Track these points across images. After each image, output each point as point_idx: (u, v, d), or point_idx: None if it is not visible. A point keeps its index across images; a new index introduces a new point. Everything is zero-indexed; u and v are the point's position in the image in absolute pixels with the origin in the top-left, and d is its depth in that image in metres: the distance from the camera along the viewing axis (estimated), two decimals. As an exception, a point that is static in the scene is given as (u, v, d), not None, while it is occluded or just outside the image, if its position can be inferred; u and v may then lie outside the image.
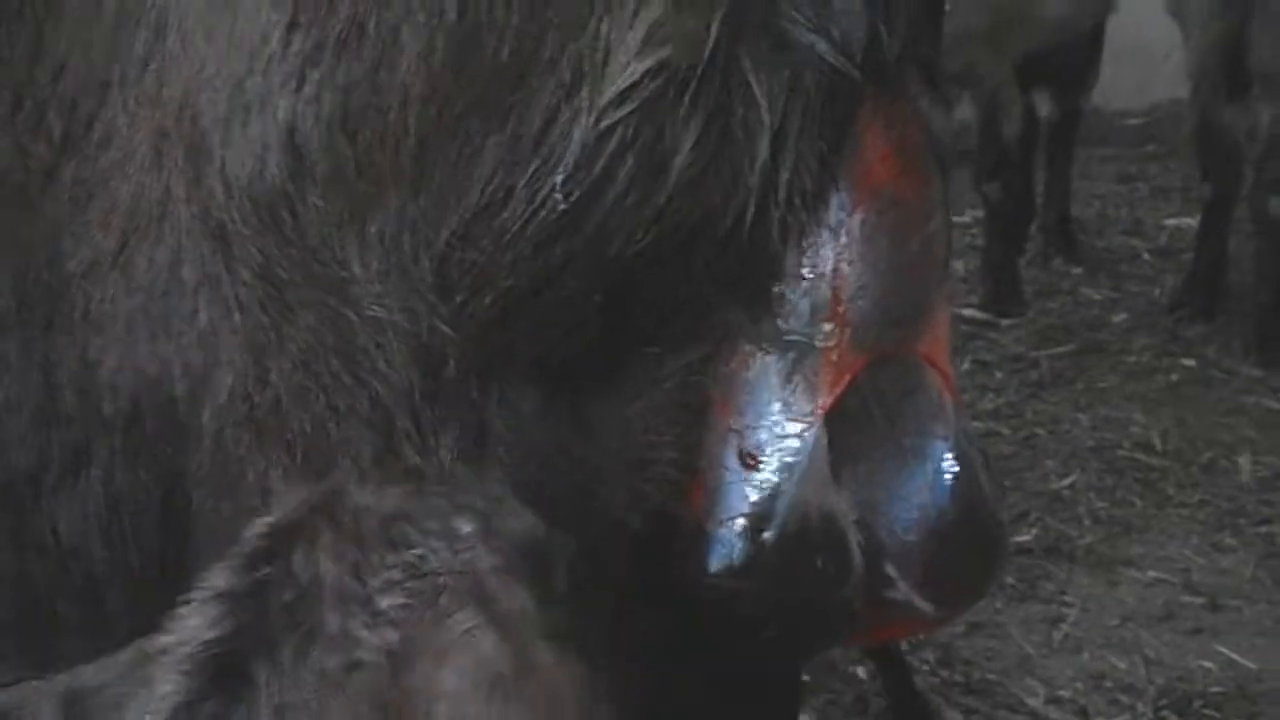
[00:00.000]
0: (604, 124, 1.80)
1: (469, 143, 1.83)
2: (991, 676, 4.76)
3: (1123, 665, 4.77)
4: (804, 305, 2.00)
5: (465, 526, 1.64)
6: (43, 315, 1.99)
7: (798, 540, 2.01)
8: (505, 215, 1.84)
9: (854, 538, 2.03)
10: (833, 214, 1.99)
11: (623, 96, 1.80)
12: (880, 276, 2.03)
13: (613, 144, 1.81)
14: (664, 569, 2.05)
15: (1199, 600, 5.01)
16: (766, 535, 2.00)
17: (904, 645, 4.43)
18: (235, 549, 1.65)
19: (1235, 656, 4.72)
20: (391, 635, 1.56)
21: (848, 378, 2.01)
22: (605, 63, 1.80)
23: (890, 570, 2.06)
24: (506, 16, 1.80)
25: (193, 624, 1.62)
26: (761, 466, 2.00)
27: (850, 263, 2.00)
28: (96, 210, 1.95)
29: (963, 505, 2.09)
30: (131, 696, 1.66)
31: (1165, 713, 4.54)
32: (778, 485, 1.99)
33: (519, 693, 1.56)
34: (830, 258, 2.00)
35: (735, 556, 1.99)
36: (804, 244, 1.98)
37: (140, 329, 1.94)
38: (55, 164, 1.94)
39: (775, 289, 1.98)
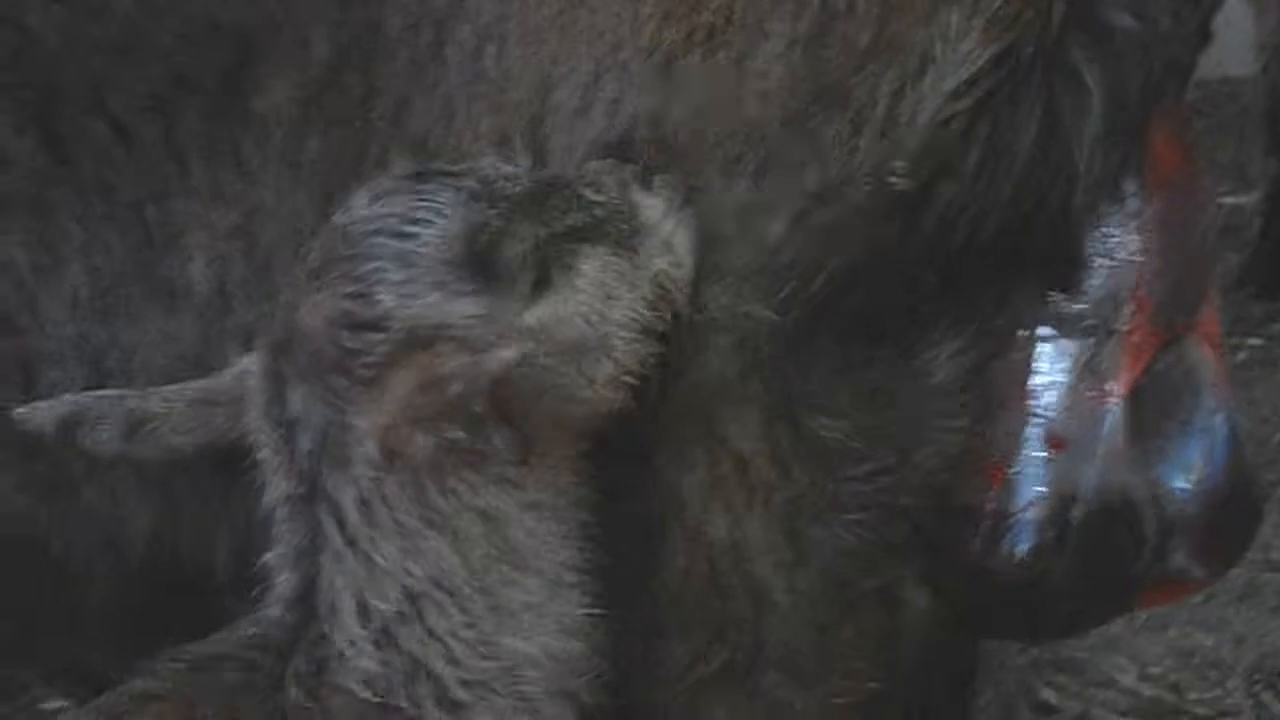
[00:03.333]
0: (947, 112, 1.85)
1: (813, 129, 1.87)
2: (1081, 654, 4.81)
3: (1209, 642, 4.83)
4: (1105, 290, 2.07)
5: (389, 297, 1.71)
6: None
7: (1101, 518, 2.08)
8: (841, 200, 1.88)
9: (1148, 511, 2.10)
10: (1131, 202, 2.06)
11: (967, 85, 1.85)
12: (1172, 262, 2.10)
13: (955, 132, 1.86)
14: (952, 560, 2.11)
15: (1280, 578, 5.07)
16: (1074, 515, 2.06)
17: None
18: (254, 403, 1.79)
19: (1321, 632, 4.78)
20: (372, 452, 1.72)
21: (1145, 360, 2.09)
22: (950, 50, 1.85)
23: (1171, 541, 2.14)
24: (866, 3, 1.84)
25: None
26: (1068, 448, 2.07)
27: (1148, 249, 2.07)
28: None
29: (1234, 475, 2.18)
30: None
31: (1258, 688, 4.61)
32: (1084, 466, 2.06)
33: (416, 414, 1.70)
34: (1130, 245, 2.07)
35: (1045, 537, 2.06)
36: (1105, 231, 2.05)
37: None
38: None
39: (1079, 275, 2.05)
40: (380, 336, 1.69)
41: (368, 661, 1.75)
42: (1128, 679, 4.71)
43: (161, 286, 1.97)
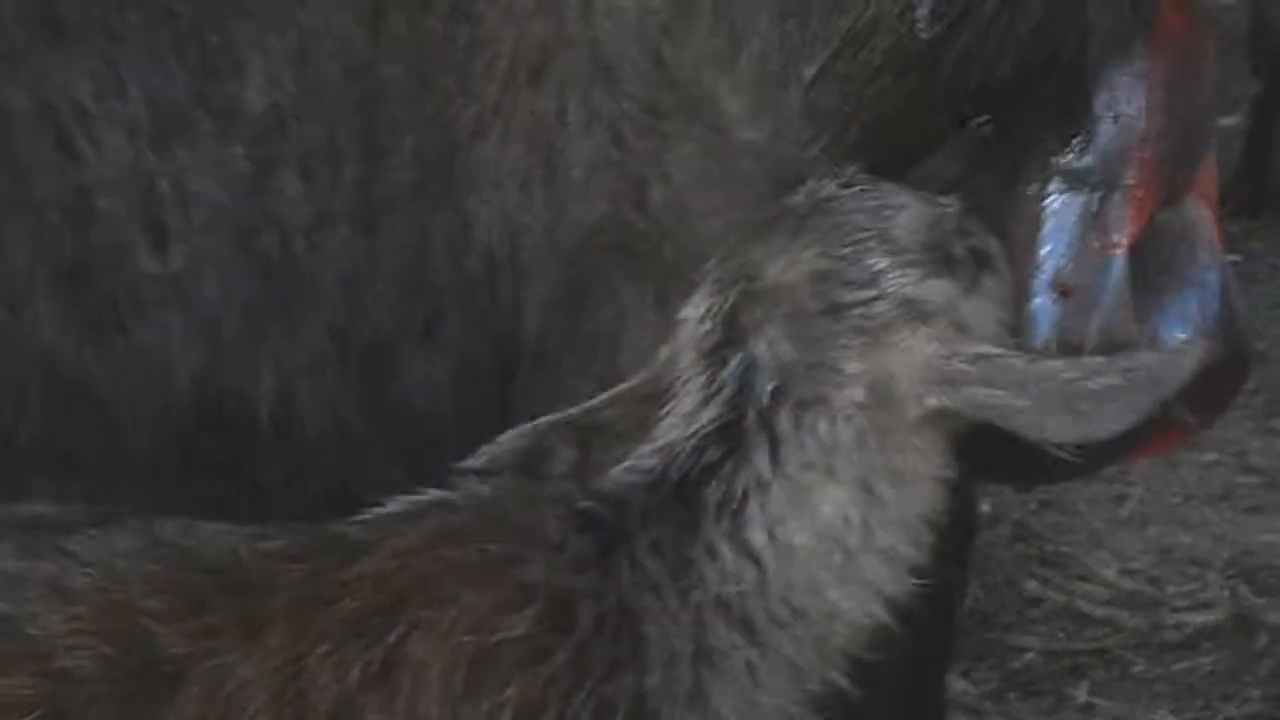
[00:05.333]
0: None
1: None
2: (1065, 549, 4.91)
3: (1189, 540, 4.94)
4: (1112, 146, 2.17)
5: (879, 262, 1.84)
6: (433, 184, 2.11)
7: (1106, 363, 2.19)
8: (871, 45, 1.99)
9: (1146, 359, 2.21)
10: (1137, 61, 2.16)
11: None
12: (1176, 122, 2.20)
13: None
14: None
15: (1256, 480, 5.20)
16: (1080, 361, 2.17)
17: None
18: (690, 347, 1.86)
19: (1294, 531, 4.89)
20: (857, 394, 1.82)
21: (1147, 214, 2.20)
22: None
23: (1164, 389, 2.25)
24: None
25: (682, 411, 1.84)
26: (1075, 295, 2.18)
27: (1152, 108, 2.18)
28: (481, 65, 2.07)
29: (1226, 327, 2.29)
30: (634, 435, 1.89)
31: (1234, 581, 4.72)
32: (1089, 312, 2.17)
33: (952, 376, 1.81)
34: (1136, 103, 2.17)
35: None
36: (1113, 89, 2.15)
37: (514, 177, 2.08)
38: (450, 34, 2.06)
39: (1088, 129, 2.15)
40: (876, 294, 1.82)
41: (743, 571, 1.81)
42: (1109, 573, 4.81)
43: (217, 111, 2.05)
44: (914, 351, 1.81)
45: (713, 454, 1.81)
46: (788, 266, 1.83)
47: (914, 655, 2.49)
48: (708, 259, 1.99)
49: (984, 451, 2.24)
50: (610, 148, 2.04)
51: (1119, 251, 2.19)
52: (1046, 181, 2.18)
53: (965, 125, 2.06)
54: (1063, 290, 2.18)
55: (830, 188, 1.88)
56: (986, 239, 1.93)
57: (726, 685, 1.80)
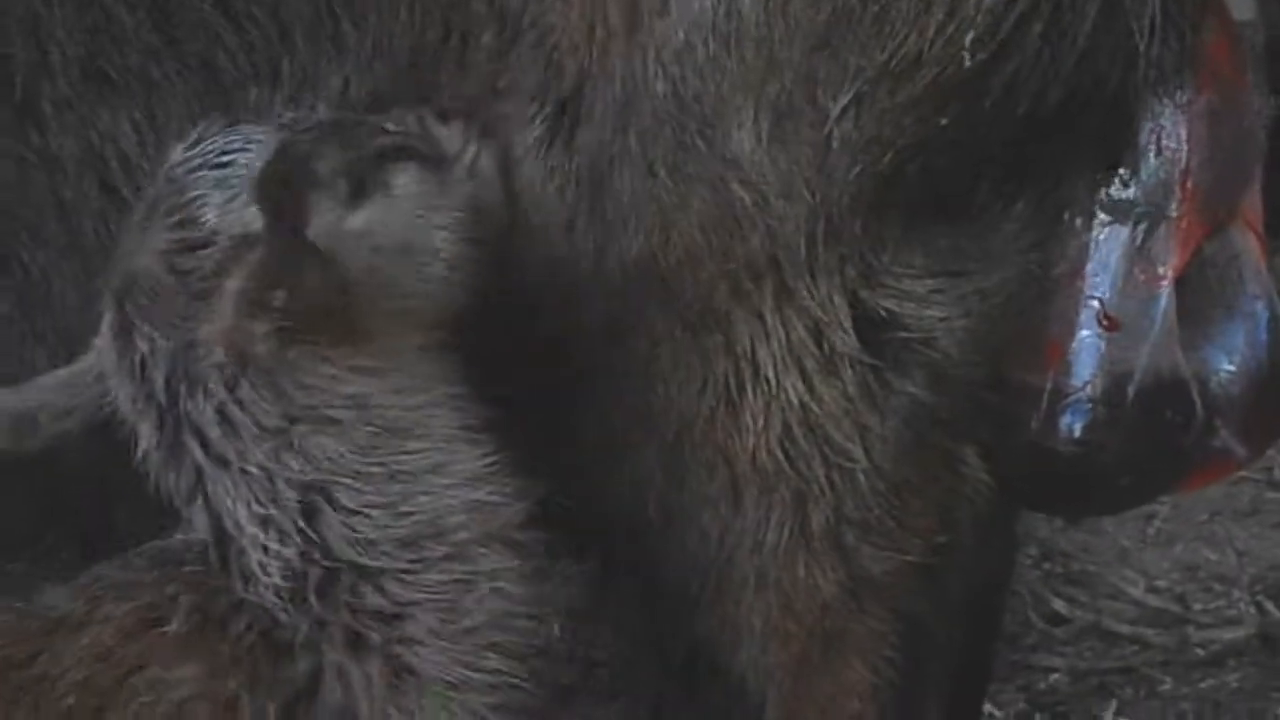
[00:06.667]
0: None
1: (884, 4, 1.96)
2: (1091, 568, 4.91)
3: (1215, 556, 4.94)
4: (1157, 178, 2.17)
5: (212, 214, 1.85)
6: None
7: (1153, 395, 2.19)
8: (912, 76, 1.98)
9: (1195, 389, 2.21)
10: (1183, 92, 2.15)
11: None
12: (1220, 153, 2.20)
13: (1020, 8, 1.96)
14: (1010, 437, 2.22)
15: (1284, 496, 5.19)
16: (1127, 392, 2.17)
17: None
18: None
19: (1322, 548, 4.88)
20: (218, 356, 1.84)
21: (1193, 245, 2.19)
22: None
23: (1215, 420, 2.25)
24: None
25: None
26: (1122, 328, 2.17)
27: (1197, 140, 2.17)
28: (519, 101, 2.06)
29: (1275, 359, 2.29)
30: None
31: (1260, 598, 4.71)
32: (1137, 345, 2.17)
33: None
34: (1180, 135, 2.17)
35: (1100, 414, 2.17)
36: (1158, 121, 2.15)
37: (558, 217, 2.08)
38: (494, 74, 2.06)
39: (1132, 161, 2.15)
40: (209, 251, 1.83)
41: (285, 560, 1.84)
42: (1136, 591, 4.80)
43: None
44: (229, 291, 1.82)
45: (180, 477, 1.85)
46: (141, 252, 1.85)
47: (953, 685, 2.50)
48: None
49: (1027, 484, 2.25)
50: (643, 182, 2.04)
51: (1165, 284, 2.18)
52: (1090, 214, 2.18)
53: (1008, 155, 2.05)
54: (1109, 323, 2.18)
55: (174, 154, 1.89)
56: (392, 141, 1.92)
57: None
